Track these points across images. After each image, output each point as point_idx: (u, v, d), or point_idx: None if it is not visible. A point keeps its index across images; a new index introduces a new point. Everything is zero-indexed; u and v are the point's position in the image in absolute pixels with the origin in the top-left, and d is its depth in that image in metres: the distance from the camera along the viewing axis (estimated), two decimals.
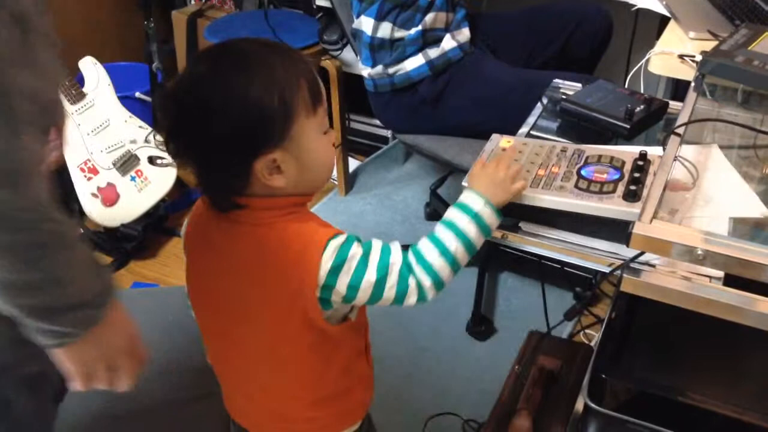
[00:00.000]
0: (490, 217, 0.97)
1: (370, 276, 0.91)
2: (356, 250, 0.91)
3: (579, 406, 1.20)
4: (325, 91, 0.92)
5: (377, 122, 2.73)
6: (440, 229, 0.96)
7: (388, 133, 2.79)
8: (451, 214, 0.97)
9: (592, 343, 1.84)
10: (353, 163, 2.73)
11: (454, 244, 0.94)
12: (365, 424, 1.14)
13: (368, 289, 0.91)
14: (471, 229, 0.95)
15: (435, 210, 2.46)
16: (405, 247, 0.96)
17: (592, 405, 1.09)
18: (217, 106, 0.85)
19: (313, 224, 0.93)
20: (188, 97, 0.87)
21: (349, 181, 2.65)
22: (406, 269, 0.92)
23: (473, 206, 0.97)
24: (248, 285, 0.95)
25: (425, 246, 0.94)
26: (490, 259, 2.16)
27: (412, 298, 0.93)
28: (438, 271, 0.93)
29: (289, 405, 1.03)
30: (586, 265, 1.01)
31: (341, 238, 0.91)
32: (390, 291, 0.92)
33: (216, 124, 0.85)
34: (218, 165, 0.89)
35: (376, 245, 0.93)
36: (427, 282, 0.93)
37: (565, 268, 1.94)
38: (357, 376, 1.07)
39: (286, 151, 0.88)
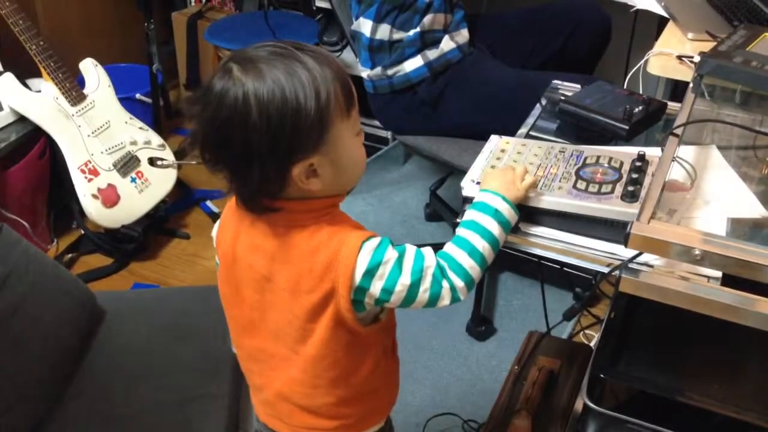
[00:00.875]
0: (509, 213, 0.98)
1: (405, 279, 0.92)
2: (391, 254, 0.92)
3: (578, 406, 1.21)
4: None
5: (377, 123, 2.73)
6: (464, 231, 0.97)
7: (388, 134, 2.79)
8: (472, 214, 0.98)
9: (592, 344, 1.84)
10: None
11: (480, 243, 0.96)
12: (387, 424, 1.15)
13: (402, 292, 0.92)
14: (494, 227, 0.97)
15: (435, 211, 2.46)
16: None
17: (592, 405, 1.09)
18: (256, 115, 0.84)
19: (347, 226, 0.94)
20: (224, 107, 0.85)
21: None
22: (440, 273, 0.94)
23: (492, 204, 0.98)
24: (283, 285, 0.95)
25: (453, 249, 0.96)
26: None
27: (445, 301, 0.95)
28: (469, 271, 0.95)
29: (319, 401, 1.03)
30: (586, 266, 1.01)
31: (375, 241, 0.92)
32: (424, 294, 0.93)
33: (256, 133, 0.85)
34: (255, 172, 0.88)
35: (410, 249, 0.94)
36: (460, 284, 0.94)
37: (565, 269, 1.94)
38: (385, 374, 1.09)
39: (323, 156, 0.88)
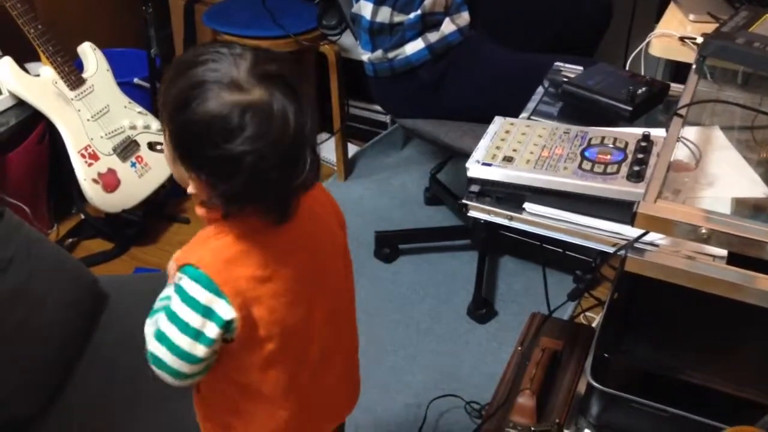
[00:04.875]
0: None
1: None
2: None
3: (582, 385, 1.22)
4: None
5: (376, 107, 2.73)
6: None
7: (386, 118, 2.79)
8: None
9: (594, 325, 1.85)
10: (352, 149, 2.73)
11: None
12: None
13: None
14: None
15: (434, 195, 2.46)
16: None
17: (596, 384, 1.10)
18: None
19: None
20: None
21: (348, 166, 2.66)
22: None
23: None
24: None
25: None
26: (491, 242, 2.17)
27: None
28: None
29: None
30: (591, 246, 1.02)
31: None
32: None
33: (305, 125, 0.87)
34: (307, 158, 0.89)
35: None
36: None
37: (567, 252, 1.95)
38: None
39: None
